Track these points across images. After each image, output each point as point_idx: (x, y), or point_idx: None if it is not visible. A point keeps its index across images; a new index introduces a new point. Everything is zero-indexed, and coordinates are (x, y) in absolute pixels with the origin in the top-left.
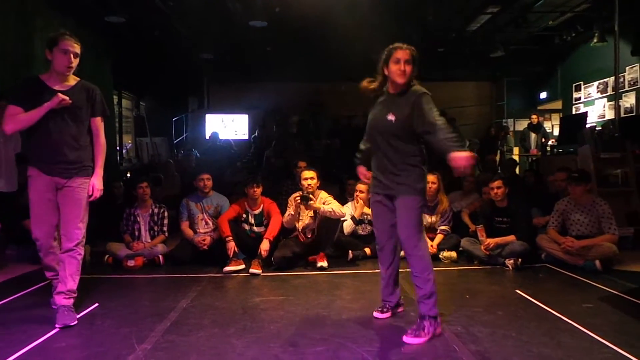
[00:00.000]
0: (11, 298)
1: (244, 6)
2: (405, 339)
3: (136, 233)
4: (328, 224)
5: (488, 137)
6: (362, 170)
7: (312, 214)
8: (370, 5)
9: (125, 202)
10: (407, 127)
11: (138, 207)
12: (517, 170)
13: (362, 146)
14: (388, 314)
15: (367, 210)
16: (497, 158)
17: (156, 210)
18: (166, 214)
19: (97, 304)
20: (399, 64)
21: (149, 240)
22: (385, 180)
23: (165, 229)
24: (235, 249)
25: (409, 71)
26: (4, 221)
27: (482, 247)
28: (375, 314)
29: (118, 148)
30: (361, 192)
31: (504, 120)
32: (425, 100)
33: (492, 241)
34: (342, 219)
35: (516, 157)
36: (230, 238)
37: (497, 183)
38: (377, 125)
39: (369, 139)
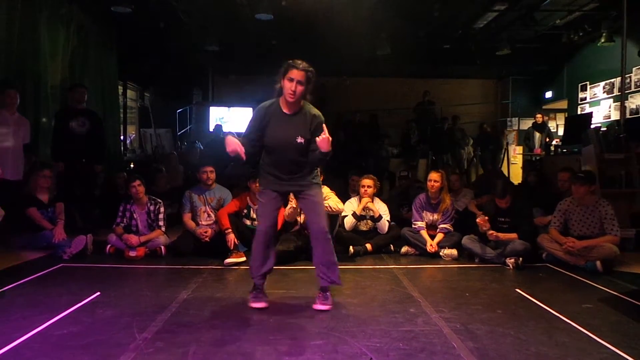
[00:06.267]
0: (14, 285)
1: None
2: (316, 307)
3: (133, 229)
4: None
5: (482, 134)
6: (236, 141)
7: None
8: (376, 0)
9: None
10: (309, 144)
11: (134, 204)
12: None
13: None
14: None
15: (370, 206)
16: (501, 157)
17: (152, 208)
18: (162, 209)
19: (98, 293)
20: (292, 82)
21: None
22: (292, 181)
23: (161, 223)
24: (235, 241)
25: (299, 92)
26: (8, 209)
27: (487, 235)
28: (254, 305)
29: (122, 138)
30: (369, 187)
31: (508, 119)
32: (322, 126)
33: (494, 233)
34: (342, 214)
35: (519, 156)
36: (230, 230)
37: (506, 200)
38: (286, 145)
39: (272, 153)
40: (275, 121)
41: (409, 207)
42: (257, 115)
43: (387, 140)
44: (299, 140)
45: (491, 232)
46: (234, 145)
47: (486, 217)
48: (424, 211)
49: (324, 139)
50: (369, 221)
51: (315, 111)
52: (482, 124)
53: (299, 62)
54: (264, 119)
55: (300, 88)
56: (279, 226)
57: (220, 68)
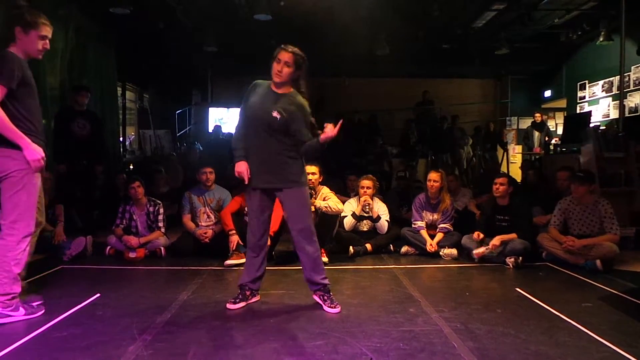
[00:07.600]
0: None
1: None
2: (327, 309)
3: (133, 230)
4: (326, 219)
5: (488, 133)
6: (245, 166)
7: (313, 209)
8: (375, 0)
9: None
10: (288, 125)
11: (134, 205)
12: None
13: (240, 144)
14: (243, 304)
15: (368, 201)
16: (500, 155)
17: (151, 209)
18: (161, 210)
19: (98, 295)
20: (279, 64)
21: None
22: (268, 175)
23: (160, 224)
24: (239, 242)
25: (286, 73)
26: None
27: (490, 246)
28: (229, 305)
29: (121, 140)
30: (368, 187)
31: (507, 118)
32: (309, 115)
33: (496, 239)
34: (342, 214)
35: (518, 155)
36: (234, 232)
37: (501, 180)
38: (260, 118)
39: (249, 131)
40: (260, 94)
41: (409, 207)
42: (246, 93)
43: (381, 138)
44: (274, 114)
45: (493, 244)
46: (242, 169)
47: (482, 250)
48: (424, 211)
49: (331, 128)
50: (369, 221)
51: (303, 103)
52: (489, 122)
53: (290, 46)
54: (251, 93)
55: (287, 70)
56: (277, 226)
57: (219, 68)
